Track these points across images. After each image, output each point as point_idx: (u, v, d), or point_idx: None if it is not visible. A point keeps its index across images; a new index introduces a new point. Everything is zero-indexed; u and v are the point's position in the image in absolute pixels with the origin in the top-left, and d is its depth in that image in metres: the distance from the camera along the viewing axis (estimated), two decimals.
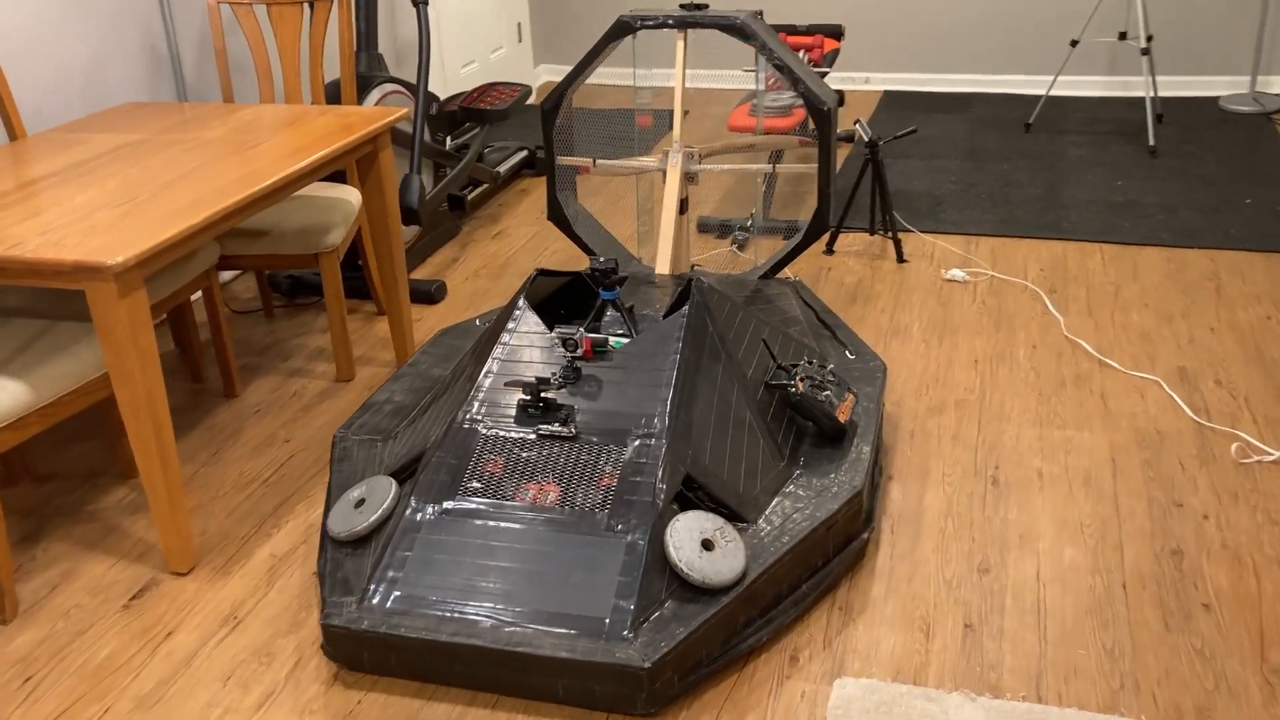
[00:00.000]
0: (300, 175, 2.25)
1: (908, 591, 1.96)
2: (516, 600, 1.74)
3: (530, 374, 2.05)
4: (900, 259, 3.34)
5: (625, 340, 2.16)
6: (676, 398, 1.96)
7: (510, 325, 2.15)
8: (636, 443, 1.90)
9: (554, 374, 2.03)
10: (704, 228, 3.71)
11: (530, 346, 2.11)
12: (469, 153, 3.79)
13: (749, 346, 2.19)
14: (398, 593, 1.80)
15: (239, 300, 3.38)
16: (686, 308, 2.10)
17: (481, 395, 2.04)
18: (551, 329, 2.35)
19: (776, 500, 1.97)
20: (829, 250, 3.44)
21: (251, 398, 2.76)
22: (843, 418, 2.09)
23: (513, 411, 1.99)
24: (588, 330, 2.23)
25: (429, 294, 3.25)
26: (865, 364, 2.39)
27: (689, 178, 2.71)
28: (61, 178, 2.22)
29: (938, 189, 3.91)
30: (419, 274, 3.47)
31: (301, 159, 2.27)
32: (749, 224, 3.65)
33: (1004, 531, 2.11)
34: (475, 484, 1.90)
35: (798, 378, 2.11)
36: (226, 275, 3.54)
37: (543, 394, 1.96)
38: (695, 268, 3.03)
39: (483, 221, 3.90)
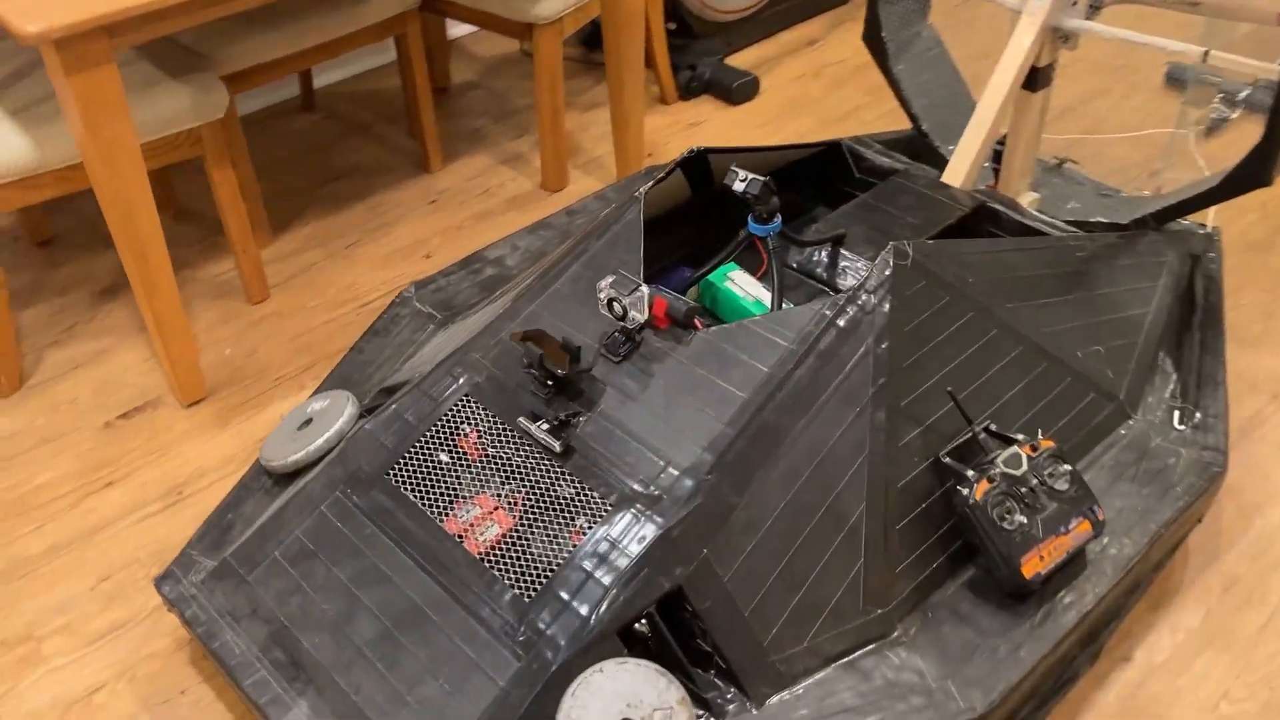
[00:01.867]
0: None
1: None
2: (334, 689, 1.18)
3: (571, 326, 1.35)
4: None
5: (746, 315, 1.36)
6: (733, 449, 1.18)
7: (600, 236, 1.43)
8: (630, 506, 1.18)
9: (601, 339, 1.31)
10: (1174, 78, 2.50)
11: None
12: None
13: (959, 376, 1.29)
14: (241, 591, 1.29)
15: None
16: (855, 289, 1.25)
17: (501, 335, 1.38)
18: (675, 256, 1.60)
19: (823, 674, 1.17)
20: None
21: (443, 180, 2.26)
22: (1029, 570, 1.19)
23: (516, 377, 1.32)
24: (674, 285, 1.46)
25: (728, 89, 2.48)
26: (1199, 445, 1.39)
27: (1060, 37, 1.66)
28: None
29: None
30: (739, 59, 2.67)
31: None
32: (1245, 95, 2.39)
33: None
34: (410, 472, 1.30)
35: (991, 469, 1.21)
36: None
37: (554, 371, 1.26)
38: (995, 188, 1.91)
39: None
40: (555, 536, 1.20)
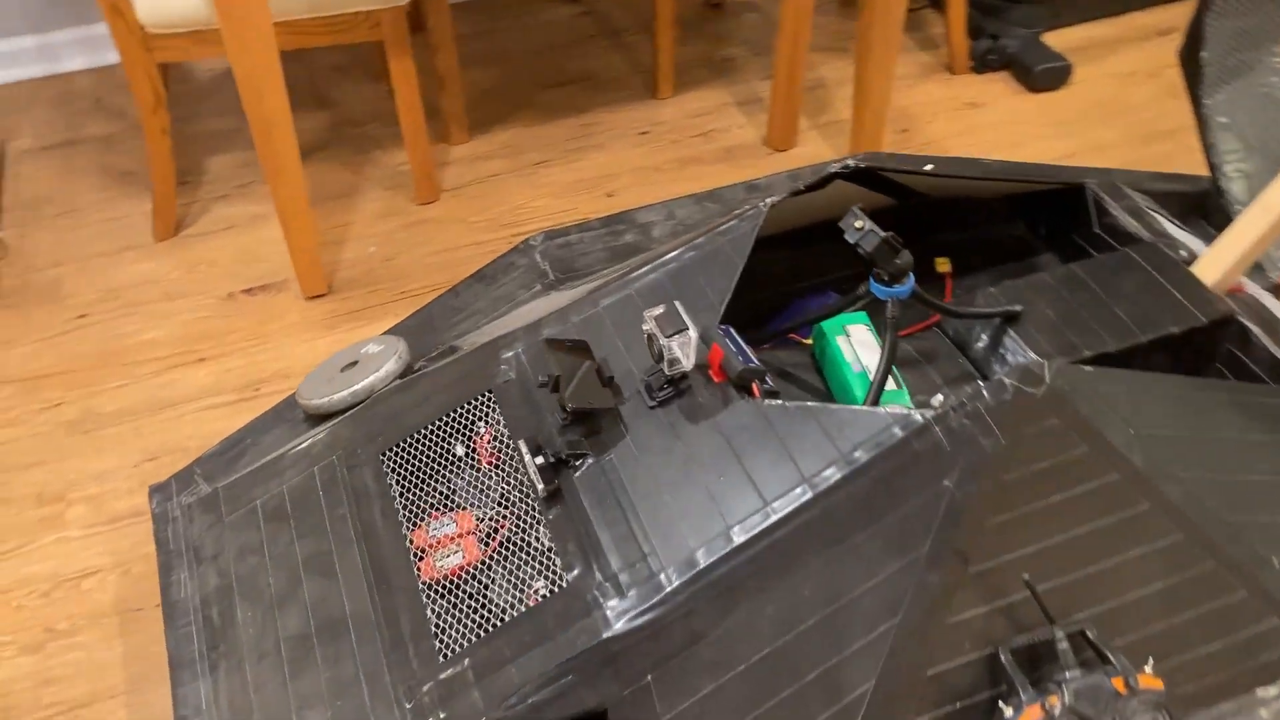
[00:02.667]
0: None
1: None
2: (239, 677, 1.06)
3: (625, 343, 1.13)
4: None
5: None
6: (727, 563, 0.94)
7: (696, 246, 1.18)
8: (585, 591, 0.97)
9: (646, 372, 1.08)
10: None
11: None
12: None
13: (1069, 553, 0.97)
14: (214, 532, 1.20)
15: None
16: (950, 407, 0.95)
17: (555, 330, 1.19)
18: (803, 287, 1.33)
19: None
20: None
21: (664, 110, 2.04)
22: None
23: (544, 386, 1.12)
24: (802, 313, 1.17)
25: (1029, 71, 2.07)
26: None
27: None
28: None
29: None
30: (1059, 37, 2.22)
31: None
32: None
33: None
34: (406, 460, 1.14)
35: (1055, 691, 0.90)
36: None
37: (568, 401, 1.05)
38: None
39: None
40: (508, 592, 1.01)
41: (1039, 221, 1.47)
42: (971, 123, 2.00)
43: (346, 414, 1.24)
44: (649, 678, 0.93)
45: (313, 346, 1.59)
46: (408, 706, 0.97)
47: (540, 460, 1.05)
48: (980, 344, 1.21)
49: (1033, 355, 1.15)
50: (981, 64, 2.12)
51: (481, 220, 1.80)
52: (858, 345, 1.16)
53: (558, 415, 1.08)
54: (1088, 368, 0.99)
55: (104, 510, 1.38)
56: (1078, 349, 1.16)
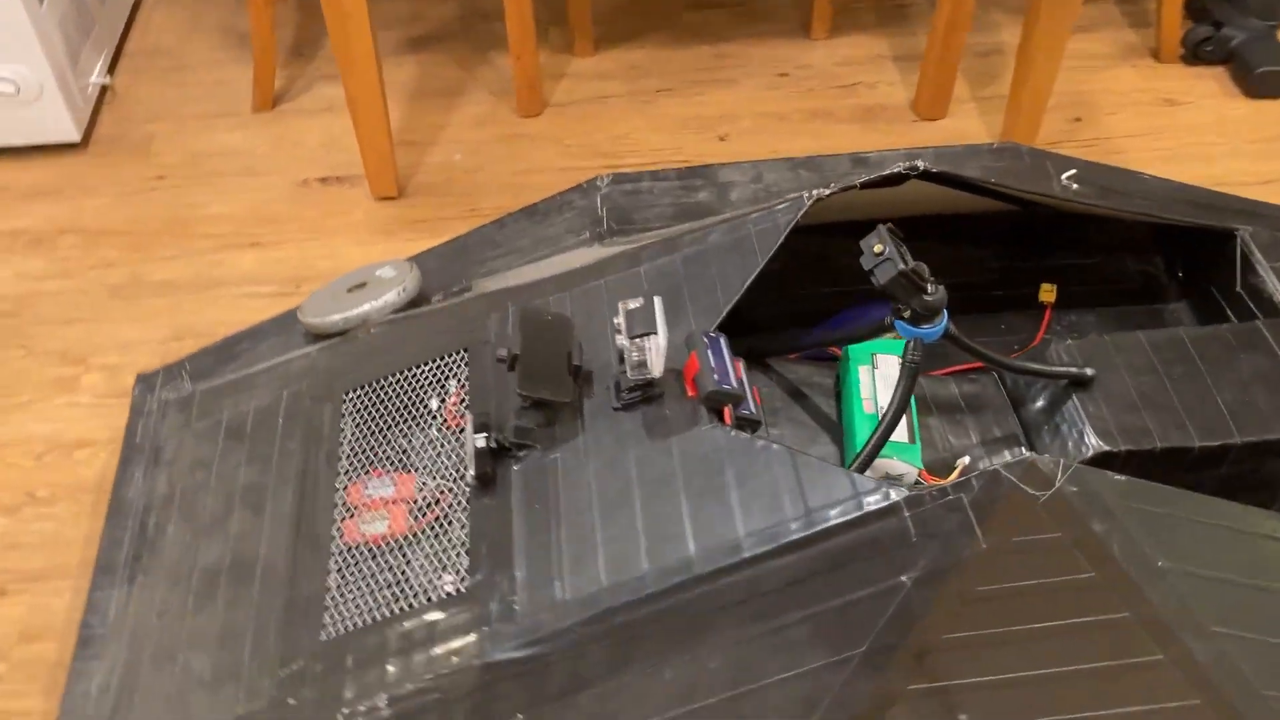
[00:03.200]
0: None
1: None
2: (148, 597, 1.01)
3: (609, 331, 0.99)
4: None
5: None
6: (633, 612, 0.82)
7: (718, 232, 1.03)
8: (480, 604, 0.86)
9: (619, 371, 0.94)
10: None
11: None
12: None
13: (1044, 674, 0.79)
14: (179, 435, 1.15)
15: None
16: (924, 494, 0.78)
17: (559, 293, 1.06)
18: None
19: None
20: None
21: (811, 53, 1.84)
22: None
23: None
24: (850, 325, 1.00)
25: (1248, 71, 1.76)
26: None
27: None
28: None
29: None
30: None
31: None
32: None
33: None
34: (367, 405, 1.06)
35: None
36: None
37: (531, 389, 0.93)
38: None
39: None
40: (417, 578, 0.92)
41: (1177, 261, 1.24)
42: (1162, 123, 1.72)
43: (332, 340, 1.16)
44: (518, 717, 0.83)
45: (366, 250, 1.52)
46: (280, 674, 0.90)
47: (481, 442, 0.94)
48: (1038, 403, 1.02)
49: (1091, 434, 0.95)
50: (1193, 54, 1.81)
51: (578, 145, 1.68)
52: (880, 380, 0.99)
53: (518, 396, 0.96)
54: (1119, 476, 0.79)
55: (117, 382, 1.37)
56: (1149, 436, 0.95)
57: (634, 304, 0.90)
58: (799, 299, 1.19)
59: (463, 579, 0.88)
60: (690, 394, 0.91)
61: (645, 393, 0.92)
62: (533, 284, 1.10)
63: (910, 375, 0.89)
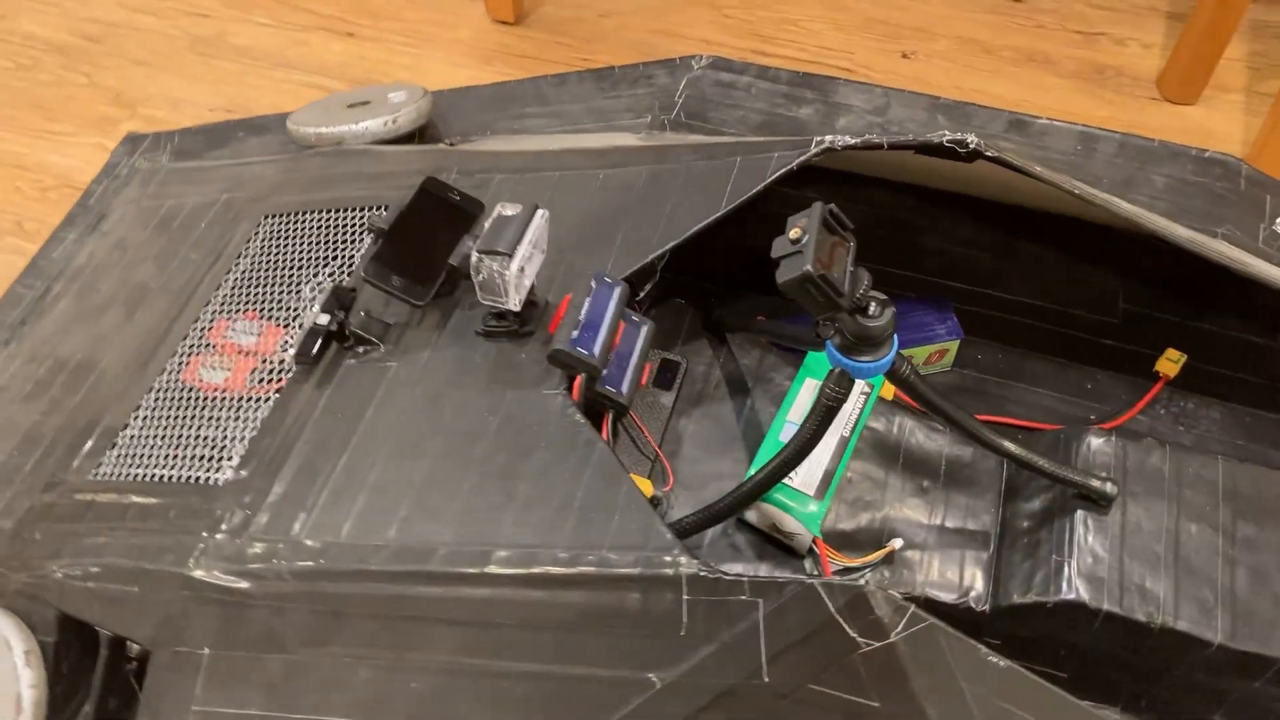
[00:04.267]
0: None
1: None
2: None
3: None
4: None
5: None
6: (352, 596, 0.65)
7: (699, 156, 0.79)
8: (218, 510, 0.71)
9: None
10: None
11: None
12: None
13: None
14: (135, 205, 1.05)
15: None
16: (794, 584, 0.56)
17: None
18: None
19: None
20: None
21: None
22: None
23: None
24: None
25: None
26: None
27: None
28: None
29: None
30: None
31: None
32: None
33: None
34: (281, 235, 0.91)
35: None
36: None
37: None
38: None
39: None
40: (206, 450, 0.78)
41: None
42: None
43: (295, 156, 1.02)
44: (205, 650, 0.68)
45: (454, 73, 1.36)
46: (40, 497, 0.79)
47: (324, 319, 0.78)
48: (1034, 503, 0.75)
49: (1074, 573, 0.68)
50: None
51: (734, 18, 1.43)
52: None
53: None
54: (998, 660, 0.54)
55: None
56: (1152, 605, 0.67)
57: (510, 210, 0.70)
58: None
59: (222, 465, 0.74)
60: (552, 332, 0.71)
61: (508, 324, 0.73)
62: (532, 154, 0.91)
63: (823, 413, 0.65)
